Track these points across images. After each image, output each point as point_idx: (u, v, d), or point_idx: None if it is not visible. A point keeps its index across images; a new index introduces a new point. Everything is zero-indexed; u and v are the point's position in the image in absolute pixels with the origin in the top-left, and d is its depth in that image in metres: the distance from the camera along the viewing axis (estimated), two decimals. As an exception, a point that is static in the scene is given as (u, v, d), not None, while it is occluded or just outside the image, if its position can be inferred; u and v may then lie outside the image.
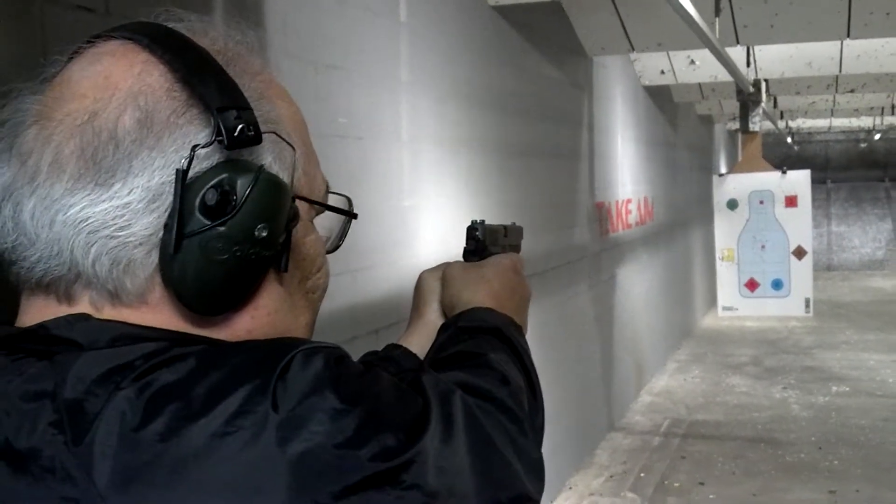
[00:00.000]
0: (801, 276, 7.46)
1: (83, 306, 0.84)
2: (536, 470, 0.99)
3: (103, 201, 0.81)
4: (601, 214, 7.14)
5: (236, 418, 0.75)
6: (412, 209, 3.84)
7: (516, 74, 5.24)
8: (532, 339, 4.70)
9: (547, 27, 5.80)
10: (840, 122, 16.20)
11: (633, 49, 6.67)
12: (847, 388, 8.91)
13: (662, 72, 8.52)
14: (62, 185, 0.81)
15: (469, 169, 4.51)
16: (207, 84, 0.84)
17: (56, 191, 0.82)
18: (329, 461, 0.75)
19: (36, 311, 0.86)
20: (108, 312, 0.83)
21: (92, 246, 0.81)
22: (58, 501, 0.74)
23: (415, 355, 1.24)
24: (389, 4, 3.70)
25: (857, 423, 7.69)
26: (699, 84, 9.19)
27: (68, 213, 0.81)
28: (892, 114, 12.77)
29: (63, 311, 0.84)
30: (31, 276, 0.85)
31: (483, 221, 1.42)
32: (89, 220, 0.81)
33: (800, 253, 7.46)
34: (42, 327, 0.83)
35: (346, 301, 3.27)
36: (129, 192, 0.81)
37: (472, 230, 1.40)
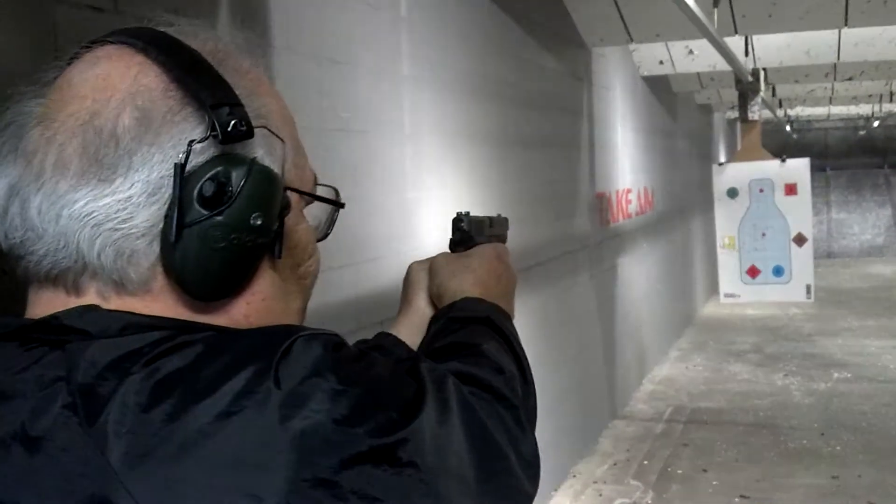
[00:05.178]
0: (802, 262, 7.50)
1: (90, 297, 0.88)
2: (531, 463, 1.03)
3: (106, 196, 0.85)
4: (601, 204, 7.17)
5: (241, 398, 0.79)
6: (415, 201, 3.88)
7: (516, 66, 5.27)
8: (534, 328, 4.73)
9: (546, 19, 5.83)
10: (839, 110, 16.19)
11: (632, 40, 6.69)
12: (848, 375, 8.94)
13: (661, 62, 8.52)
14: (66, 181, 0.86)
15: (470, 160, 4.55)
16: (201, 83, 0.88)
17: (61, 187, 0.86)
18: (329, 437, 0.79)
19: (45, 304, 0.90)
20: (115, 302, 0.88)
21: (97, 238, 0.86)
22: (73, 479, 0.78)
23: (404, 343, 1.27)
24: (390, -1, 3.74)
25: (859, 409, 7.72)
26: (698, 74, 9.20)
27: (73, 208, 0.85)
28: (891, 101, 12.78)
29: (71, 302, 0.88)
30: (39, 270, 0.89)
31: (468, 213, 1.45)
32: (93, 214, 0.85)
33: (800, 240, 7.49)
34: (54, 318, 0.87)
35: (351, 293, 3.31)
36: (130, 187, 0.85)
37: (457, 221, 1.44)
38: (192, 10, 2.52)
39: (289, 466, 0.77)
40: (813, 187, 7.81)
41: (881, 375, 8.87)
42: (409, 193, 3.83)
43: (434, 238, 3.89)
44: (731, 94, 10.14)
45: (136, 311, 0.87)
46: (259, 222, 0.87)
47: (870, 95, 12.54)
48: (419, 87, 3.97)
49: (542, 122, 5.71)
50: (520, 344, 1.23)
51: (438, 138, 4.17)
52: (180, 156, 0.85)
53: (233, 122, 0.86)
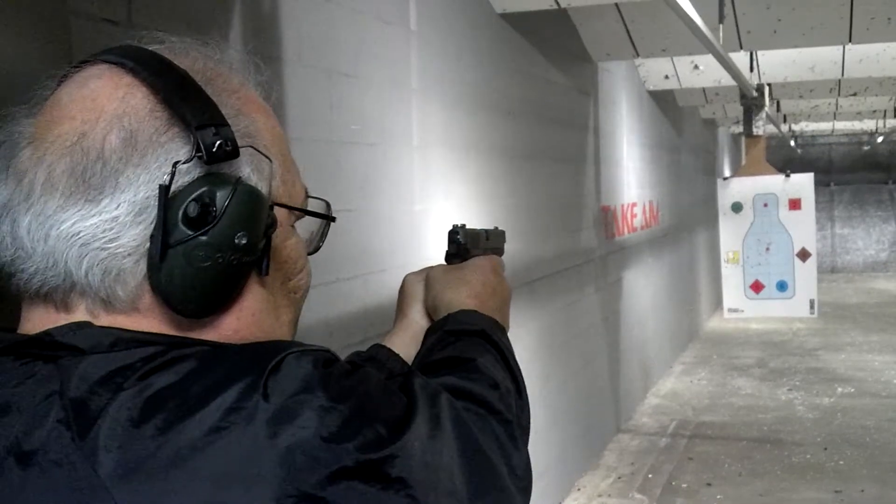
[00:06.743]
0: (806, 277, 7.51)
1: (80, 314, 0.89)
2: (522, 478, 1.04)
3: (93, 216, 0.86)
4: (607, 218, 7.19)
5: (230, 414, 0.80)
6: (423, 213, 3.91)
7: (523, 80, 5.31)
8: (539, 341, 4.75)
9: (553, 34, 5.86)
10: (843, 126, 16.21)
11: (638, 54, 6.73)
12: (852, 390, 8.95)
13: (666, 76, 8.56)
14: (55, 201, 0.87)
15: (478, 173, 4.58)
16: (187, 103, 0.89)
17: (49, 207, 0.87)
18: (316, 453, 0.80)
19: (37, 319, 0.91)
20: (104, 319, 0.89)
21: (84, 257, 0.87)
22: (64, 493, 0.79)
23: (398, 356, 1.29)
24: (400, 13, 3.77)
25: (863, 424, 7.74)
26: (703, 88, 9.23)
27: (61, 228, 0.87)
28: (895, 116, 12.81)
29: (62, 318, 0.89)
30: (30, 287, 0.90)
31: (464, 225, 1.46)
32: (81, 234, 0.87)
33: (804, 255, 7.50)
34: (47, 334, 0.88)
35: (359, 304, 3.33)
36: (116, 207, 0.86)
37: (453, 234, 1.44)
38: (205, 23, 2.55)
39: (275, 482, 0.78)
40: (817, 202, 7.84)
41: (885, 391, 8.88)
42: (417, 205, 3.86)
43: (442, 250, 3.90)
44: (736, 109, 10.14)
45: (127, 328, 0.88)
46: (244, 241, 0.88)
47: (874, 111, 12.57)
48: (428, 101, 4.00)
49: (548, 135, 5.74)
50: (514, 357, 1.23)
51: (446, 151, 4.20)
52: (165, 177, 0.86)
53: (218, 142, 0.87)
